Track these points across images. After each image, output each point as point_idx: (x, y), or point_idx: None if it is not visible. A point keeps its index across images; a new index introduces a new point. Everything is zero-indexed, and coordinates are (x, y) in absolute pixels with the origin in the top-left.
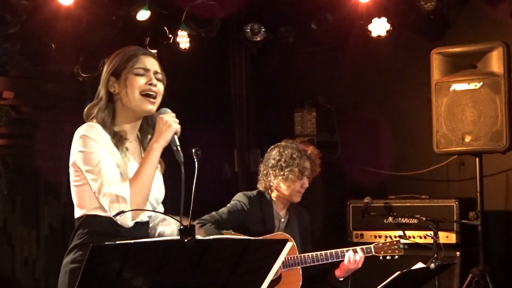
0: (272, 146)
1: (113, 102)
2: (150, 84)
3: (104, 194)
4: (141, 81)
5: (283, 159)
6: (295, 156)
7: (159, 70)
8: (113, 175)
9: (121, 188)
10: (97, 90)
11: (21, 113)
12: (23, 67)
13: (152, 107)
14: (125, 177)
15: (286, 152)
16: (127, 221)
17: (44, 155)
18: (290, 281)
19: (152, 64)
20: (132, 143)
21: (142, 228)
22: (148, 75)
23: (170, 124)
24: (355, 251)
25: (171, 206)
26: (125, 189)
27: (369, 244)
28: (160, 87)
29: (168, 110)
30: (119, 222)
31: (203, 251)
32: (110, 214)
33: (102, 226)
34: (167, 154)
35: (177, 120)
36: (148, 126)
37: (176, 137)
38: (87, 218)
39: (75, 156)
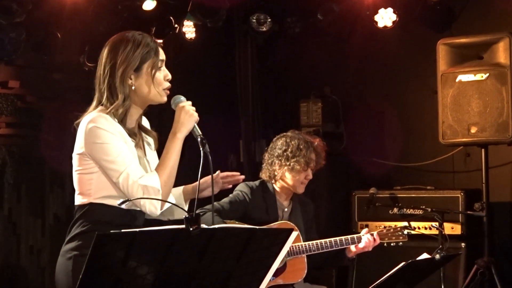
0: (278, 136)
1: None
2: (168, 80)
3: (133, 186)
4: (161, 76)
5: (289, 150)
6: (301, 147)
7: None
8: (136, 166)
9: (153, 179)
10: None
11: (26, 103)
12: (29, 57)
13: (166, 100)
14: None
15: (293, 142)
16: (157, 210)
17: (50, 145)
18: (295, 269)
19: (163, 54)
20: (138, 137)
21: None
22: (163, 68)
23: (192, 114)
24: (365, 234)
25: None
26: (157, 180)
27: None
28: None
29: (183, 98)
30: (148, 212)
31: (208, 240)
32: (141, 205)
33: (107, 216)
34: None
35: (194, 108)
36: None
37: (196, 126)
38: (92, 207)
39: (89, 147)
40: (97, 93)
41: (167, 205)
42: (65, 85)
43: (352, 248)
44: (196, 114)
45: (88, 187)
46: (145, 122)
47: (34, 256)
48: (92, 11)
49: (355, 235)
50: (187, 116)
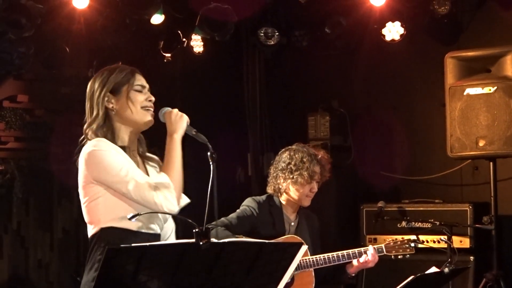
0: (283, 149)
1: (110, 118)
2: (150, 101)
3: (144, 187)
4: (141, 97)
5: (293, 163)
6: (305, 160)
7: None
8: (140, 172)
9: (161, 177)
10: None
11: (35, 117)
12: (37, 71)
13: (152, 119)
14: None
15: (296, 155)
16: (174, 206)
17: (58, 158)
18: (303, 283)
19: (145, 82)
20: (135, 158)
21: (155, 240)
22: (145, 92)
23: (182, 114)
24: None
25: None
26: (165, 177)
27: None
28: None
29: (169, 108)
30: (166, 210)
31: (218, 254)
32: (156, 204)
33: (118, 237)
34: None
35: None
36: (139, 143)
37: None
38: (102, 232)
39: (93, 171)
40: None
41: (183, 202)
42: (74, 99)
43: (354, 262)
44: (185, 115)
45: (97, 214)
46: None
47: (42, 270)
48: (100, 25)
49: (362, 248)
50: (178, 117)
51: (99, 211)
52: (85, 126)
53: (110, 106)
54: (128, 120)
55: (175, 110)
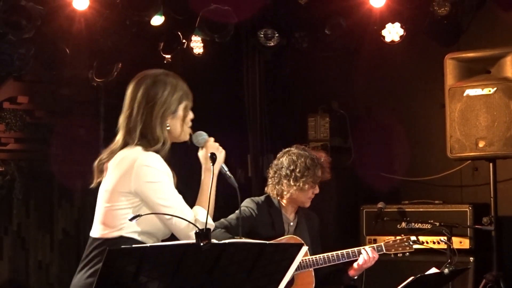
0: (282, 152)
1: (164, 134)
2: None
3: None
4: (189, 117)
5: (298, 170)
6: (309, 165)
7: None
8: (184, 202)
9: (205, 215)
10: (111, 94)
11: (35, 118)
12: (37, 72)
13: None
14: None
15: (299, 161)
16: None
17: (58, 160)
18: (303, 283)
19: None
20: None
21: None
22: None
23: (222, 150)
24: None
25: None
26: (206, 216)
27: None
28: None
29: (206, 134)
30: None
31: (218, 255)
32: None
33: None
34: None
35: None
36: None
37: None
38: (122, 239)
39: (140, 186)
40: (123, 130)
41: None
42: (74, 100)
43: (355, 265)
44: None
45: (122, 221)
46: None
47: (42, 271)
48: (100, 27)
49: (361, 248)
50: (218, 152)
51: (126, 219)
52: (139, 131)
53: (168, 125)
54: (175, 138)
55: (216, 143)
